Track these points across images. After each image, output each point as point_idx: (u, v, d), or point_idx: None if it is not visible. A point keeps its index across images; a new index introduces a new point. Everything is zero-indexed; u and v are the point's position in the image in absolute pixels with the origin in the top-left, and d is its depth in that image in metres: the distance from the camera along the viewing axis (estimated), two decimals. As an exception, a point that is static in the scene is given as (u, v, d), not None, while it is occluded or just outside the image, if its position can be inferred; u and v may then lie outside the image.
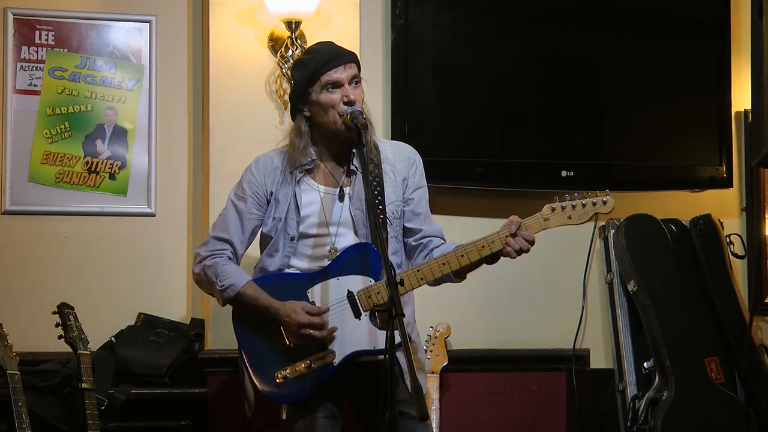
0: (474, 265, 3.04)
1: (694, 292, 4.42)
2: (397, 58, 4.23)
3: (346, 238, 3.08)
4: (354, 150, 3.06)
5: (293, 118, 3.14)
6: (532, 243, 3.00)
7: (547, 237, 3.19)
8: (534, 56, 4.48)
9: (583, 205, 3.03)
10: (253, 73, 4.16)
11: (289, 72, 4.02)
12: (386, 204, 3.08)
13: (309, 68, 3.05)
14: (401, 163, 3.16)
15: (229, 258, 3.12)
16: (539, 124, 4.46)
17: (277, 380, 3.00)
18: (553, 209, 3.04)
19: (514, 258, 3.00)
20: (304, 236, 3.10)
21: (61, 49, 4.21)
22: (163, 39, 4.27)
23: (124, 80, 4.25)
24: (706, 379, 4.27)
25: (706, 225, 4.49)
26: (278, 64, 4.10)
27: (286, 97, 4.05)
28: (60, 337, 3.58)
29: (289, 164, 3.11)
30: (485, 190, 4.37)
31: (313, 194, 3.11)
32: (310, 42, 4.11)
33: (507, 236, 2.98)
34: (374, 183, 3.05)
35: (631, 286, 4.34)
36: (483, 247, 2.99)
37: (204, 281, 3.13)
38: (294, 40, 4.06)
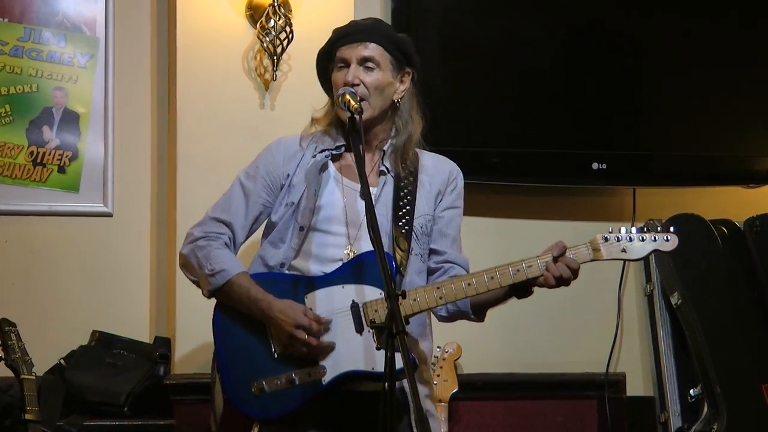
0: (501, 298, 2.96)
1: (750, 305, 4.32)
2: (398, 28, 3.81)
3: (367, 244, 2.92)
4: (385, 149, 3.03)
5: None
6: (575, 273, 2.88)
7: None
8: (561, 26, 4.32)
9: (642, 240, 2.92)
10: (229, 47, 4.04)
11: (270, 46, 3.95)
12: (415, 216, 3.03)
13: (329, 42, 3.06)
14: (440, 175, 3.12)
15: (226, 244, 3.03)
16: (566, 107, 4.30)
17: (252, 391, 2.85)
18: (606, 239, 2.92)
19: (551, 287, 2.88)
20: (316, 230, 2.99)
21: (1, 19, 4.11)
22: (121, 7, 4.17)
23: (75, 56, 4.15)
24: (764, 408, 4.18)
25: (764, 226, 4.41)
26: (258, 37, 3.96)
27: (267, 76, 4.00)
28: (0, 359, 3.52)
29: (314, 145, 3.06)
30: (501, 186, 4.27)
31: (335, 185, 3.04)
32: (295, 11, 4.00)
33: (547, 261, 2.87)
34: (405, 191, 3.03)
35: (674, 299, 4.26)
36: (518, 271, 2.87)
37: (191, 264, 3.02)
38: (276, 8, 3.91)
